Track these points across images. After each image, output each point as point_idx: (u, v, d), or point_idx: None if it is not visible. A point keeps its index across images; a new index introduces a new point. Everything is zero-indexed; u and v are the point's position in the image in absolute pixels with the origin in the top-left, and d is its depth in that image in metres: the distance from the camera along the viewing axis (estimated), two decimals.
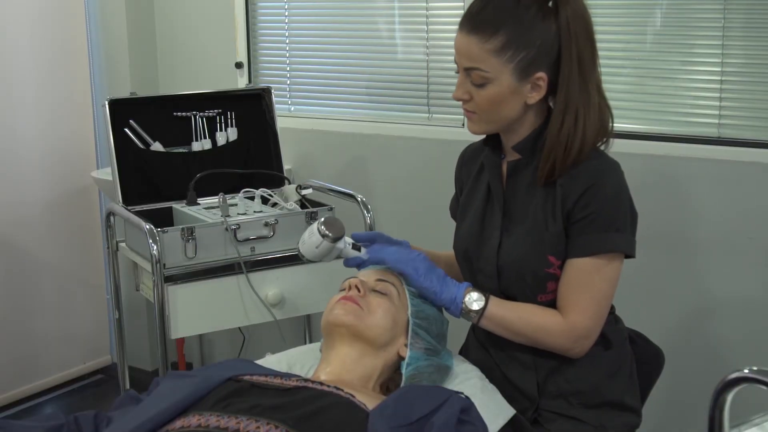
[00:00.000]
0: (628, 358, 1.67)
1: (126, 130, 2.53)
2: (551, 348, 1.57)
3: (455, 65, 1.57)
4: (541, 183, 1.56)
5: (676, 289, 2.36)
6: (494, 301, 1.56)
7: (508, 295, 1.61)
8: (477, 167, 1.72)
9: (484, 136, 1.70)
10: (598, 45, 2.46)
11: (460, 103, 1.59)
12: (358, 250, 1.64)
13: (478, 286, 1.60)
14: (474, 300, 1.55)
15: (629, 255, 1.55)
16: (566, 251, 1.54)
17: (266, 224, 2.34)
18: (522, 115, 1.56)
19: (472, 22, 1.51)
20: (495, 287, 1.62)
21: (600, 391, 1.61)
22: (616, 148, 2.38)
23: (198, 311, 2.28)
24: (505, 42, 1.49)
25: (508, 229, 1.61)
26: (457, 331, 1.78)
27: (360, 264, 1.64)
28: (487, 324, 1.57)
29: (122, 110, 2.52)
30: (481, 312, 1.55)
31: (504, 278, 1.61)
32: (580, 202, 1.51)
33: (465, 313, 1.56)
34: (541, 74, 1.51)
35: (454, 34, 1.57)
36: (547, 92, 1.55)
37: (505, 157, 1.65)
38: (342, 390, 1.38)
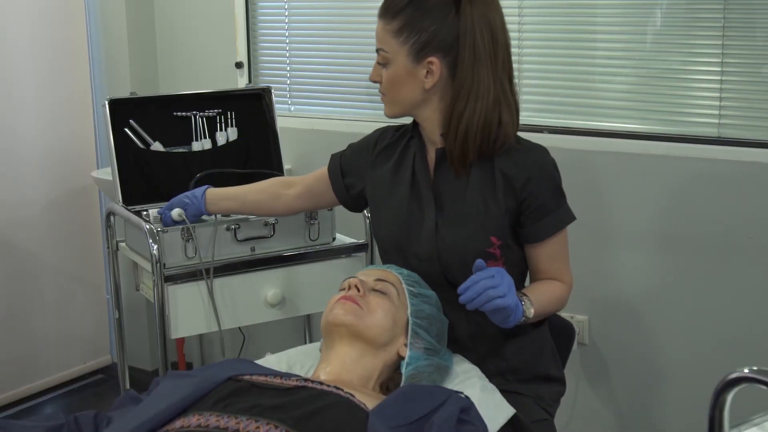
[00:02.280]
0: (548, 334, 1.81)
1: (126, 130, 2.53)
2: (560, 310, 1.79)
3: None
4: (458, 171, 1.67)
5: (677, 289, 2.36)
6: (534, 300, 1.63)
7: (449, 278, 1.69)
8: (394, 160, 1.79)
9: (399, 130, 1.83)
10: (598, 45, 2.49)
11: None
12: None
13: (412, 270, 1.71)
14: (527, 307, 1.61)
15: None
16: (529, 237, 1.68)
17: (266, 224, 2.33)
18: (423, 100, 1.68)
19: (382, 7, 1.67)
20: (436, 270, 1.70)
21: (531, 366, 1.76)
22: (616, 147, 2.40)
23: (198, 311, 2.28)
24: (402, 25, 1.63)
25: (441, 214, 1.70)
26: None
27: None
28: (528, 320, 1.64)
29: (122, 110, 2.52)
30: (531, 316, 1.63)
31: (445, 261, 1.68)
32: (530, 192, 1.64)
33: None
34: (433, 59, 1.63)
35: None
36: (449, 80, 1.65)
37: (427, 146, 1.75)
38: (342, 390, 1.38)
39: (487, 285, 1.50)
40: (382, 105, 2.84)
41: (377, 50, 1.69)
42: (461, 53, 1.62)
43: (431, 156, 1.74)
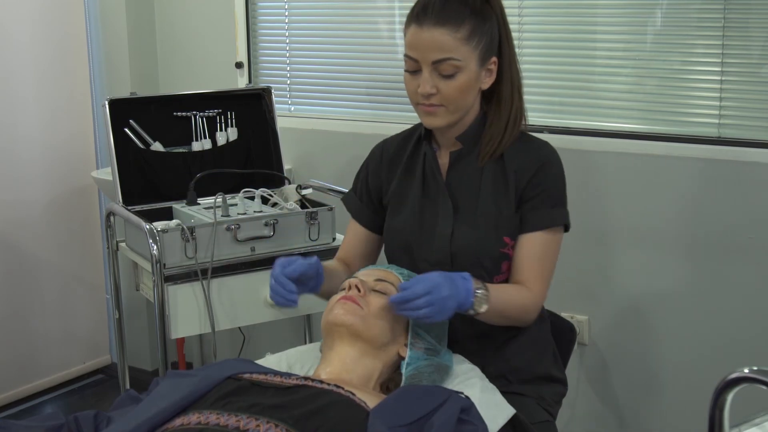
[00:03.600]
0: (550, 335, 1.80)
1: (126, 130, 2.53)
2: (520, 323, 1.68)
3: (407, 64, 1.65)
4: (484, 163, 1.66)
5: (677, 289, 2.36)
6: (492, 296, 1.56)
7: None
8: (401, 166, 1.77)
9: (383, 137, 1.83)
10: (598, 45, 2.49)
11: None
12: None
13: (420, 274, 1.63)
14: (480, 301, 1.54)
15: (568, 226, 1.70)
16: (519, 226, 1.65)
17: (266, 224, 2.34)
18: (474, 103, 1.67)
19: (438, 16, 1.59)
20: None
21: (533, 367, 1.74)
22: (616, 147, 2.40)
23: (198, 311, 2.28)
24: (471, 30, 1.59)
25: (457, 216, 1.68)
26: None
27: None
28: (481, 317, 1.58)
29: (122, 110, 2.52)
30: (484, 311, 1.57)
31: (458, 265, 1.65)
32: (533, 182, 1.64)
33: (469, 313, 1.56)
34: (495, 58, 1.64)
35: None
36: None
37: (438, 149, 1.73)
38: (342, 388, 1.38)
39: (425, 306, 1.47)
40: (381, 104, 2.82)
41: (438, 62, 1.58)
42: (504, 48, 1.65)
43: (444, 160, 1.72)
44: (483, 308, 1.54)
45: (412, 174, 1.75)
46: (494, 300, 1.55)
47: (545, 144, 1.71)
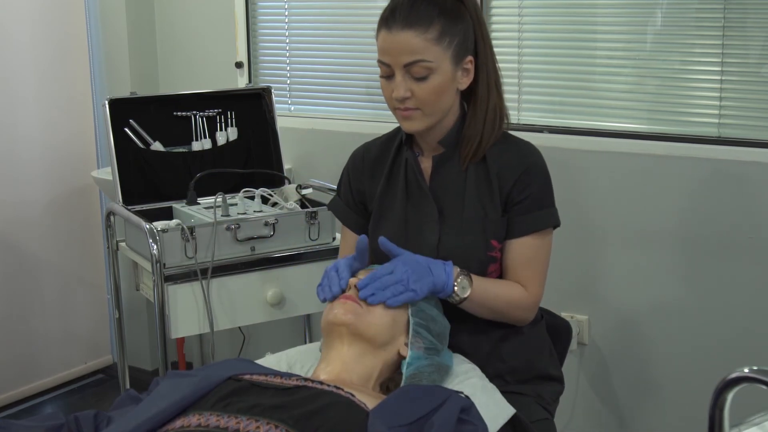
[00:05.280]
0: (546, 334, 1.79)
1: (126, 129, 2.53)
2: (514, 320, 1.69)
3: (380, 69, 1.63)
4: (466, 165, 1.66)
5: (677, 288, 2.36)
6: (476, 284, 1.59)
7: None
8: (384, 173, 1.75)
9: (364, 143, 1.82)
10: (599, 45, 2.49)
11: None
12: None
13: None
14: (462, 286, 1.58)
15: (557, 224, 1.69)
16: (507, 232, 1.65)
17: (266, 224, 2.34)
18: (452, 105, 1.65)
19: (406, 19, 1.58)
20: None
21: (531, 366, 1.73)
22: (616, 147, 2.40)
23: (198, 311, 2.28)
24: (441, 30, 1.58)
25: (443, 222, 1.67)
26: None
27: None
28: (466, 306, 1.61)
29: (122, 110, 2.52)
30: (467, 297, 1.60)
31: None
32: (518, 186, 1.63)
33: (453, 299, 1.59)
34: (470, 57, 1.62)
35: None
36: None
37: (421, 155, 1.72)
38: (342, 389, 1.38)
39: (388, 283, 1.51)
40: (381, 104, 2.81)
41: (409, 65, 1.57)
42: (480, 46, 1.63)
43: (426, 164, 1.71)
44: (466, 293, 1.57)
45: (395, 181, 1.74)
46: (478, 288, 1.58)
47: (527, 145, 1.69)
